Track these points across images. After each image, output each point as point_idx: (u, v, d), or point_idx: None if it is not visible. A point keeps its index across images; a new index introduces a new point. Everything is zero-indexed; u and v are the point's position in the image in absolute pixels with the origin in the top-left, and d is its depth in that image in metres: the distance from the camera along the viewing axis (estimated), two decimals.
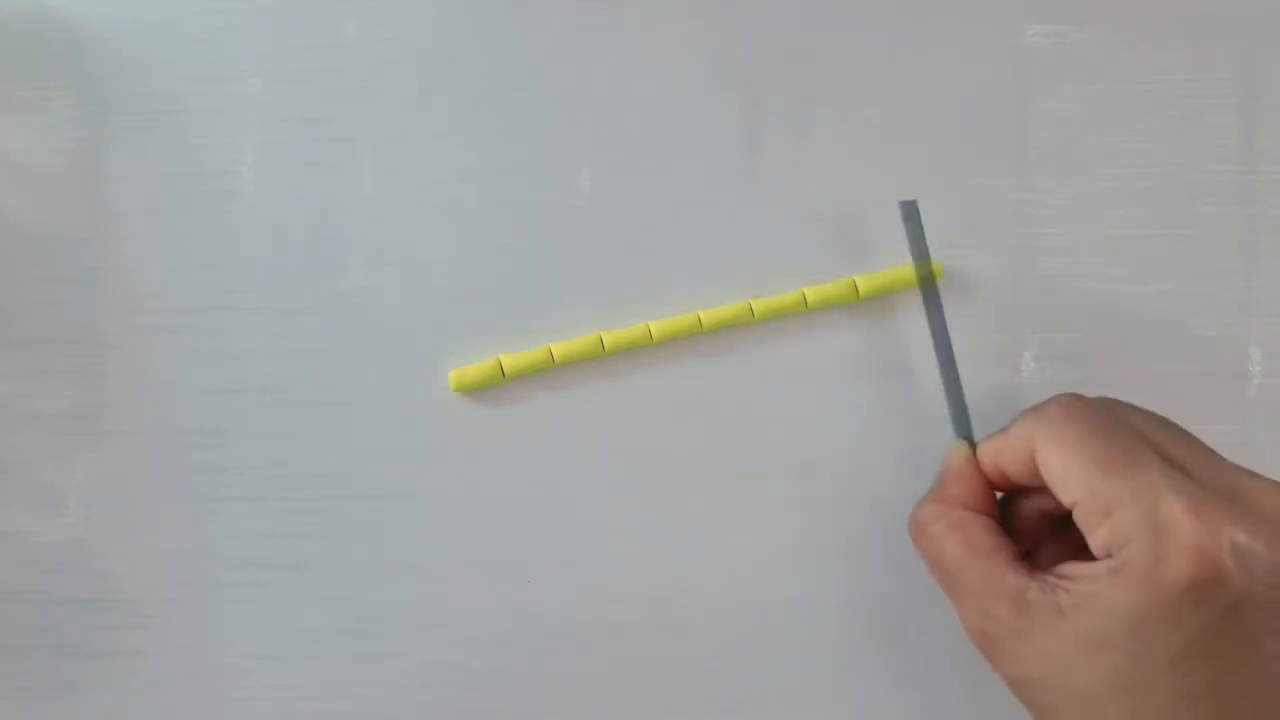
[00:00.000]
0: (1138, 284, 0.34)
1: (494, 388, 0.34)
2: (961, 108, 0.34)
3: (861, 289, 0.34)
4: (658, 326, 0.33)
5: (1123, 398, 0.31)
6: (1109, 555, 0.26)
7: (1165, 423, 0.28)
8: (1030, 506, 0.29)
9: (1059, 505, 0.27)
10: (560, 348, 0.33)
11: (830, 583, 0.33)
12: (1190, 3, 0.35)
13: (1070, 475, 0.26)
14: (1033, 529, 0.29)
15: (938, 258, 0.33)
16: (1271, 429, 0.34)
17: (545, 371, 0.34)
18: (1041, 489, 0.28)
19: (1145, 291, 0.34)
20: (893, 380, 0.34)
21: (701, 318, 0.33)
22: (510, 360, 0.33)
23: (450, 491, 0.34)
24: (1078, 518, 0.26)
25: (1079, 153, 0.34)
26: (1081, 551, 0.27)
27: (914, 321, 0.34)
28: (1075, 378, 0.33)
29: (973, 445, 0.30)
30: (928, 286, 0.32)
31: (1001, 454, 0.29)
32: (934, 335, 0.31)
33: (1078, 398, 0.28)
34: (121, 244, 0.34)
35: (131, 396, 0.34)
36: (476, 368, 0.34)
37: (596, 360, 0.34)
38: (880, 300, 0.34)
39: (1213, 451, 0.27)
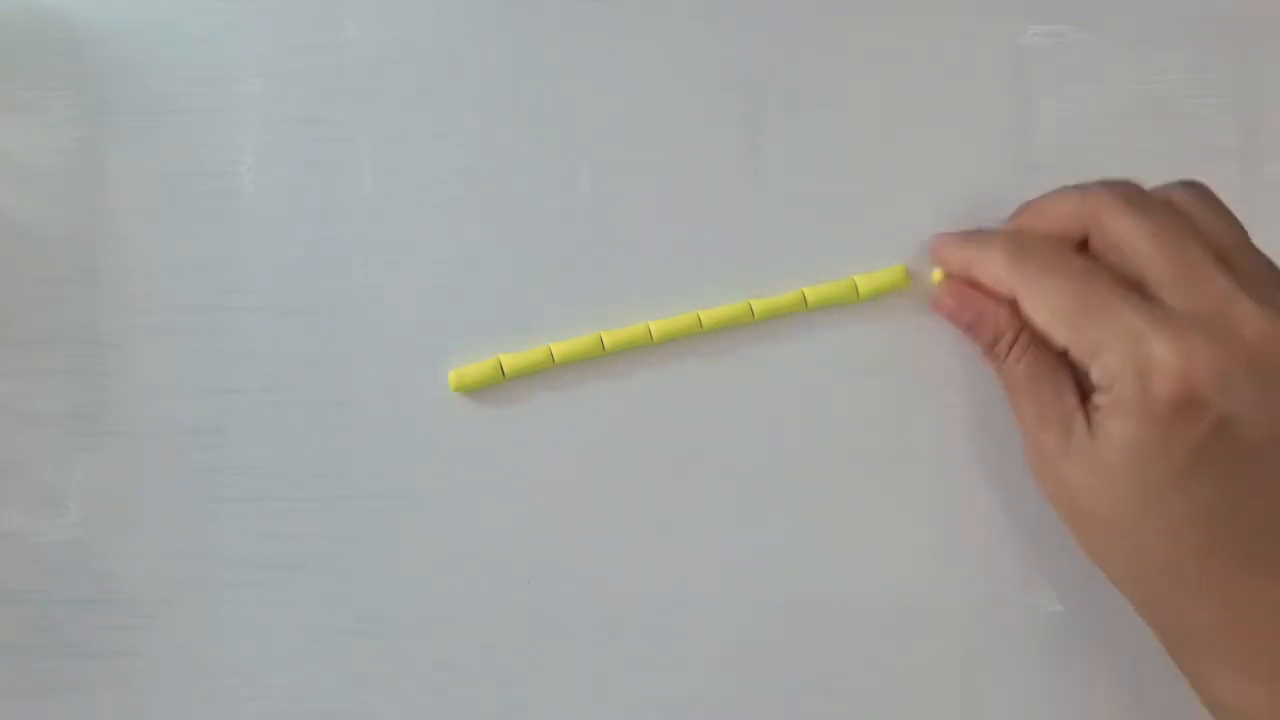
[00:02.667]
0: None
1: (494, 388, 0.34)
2: (961, 108, 0.34)
3: (861, 289, 0.34)
4: (658, 326, 0.33)
5: None
6: (1103, 391, 0.28)
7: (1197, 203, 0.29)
8: None
9: None
10: (560, 348, 0.33)
11: (829, 583, 0.33)
12: (1190, 3, 0.35)
13: (1052, 326, 0.29)
14: None
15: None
16: None
17: (545, 371, 0.34)
18: None
19: None
20: (893, 380, 0.34)
21: (701, 318, 0.33)
22: (510, 360, 0.33)
23: (450, 491, 0.34)
24: (1072, 357, 0.29)
25: (1079, 153, 0.34)
26: None
27: (914, 321, 0.34)
28: None
29: None
30: None
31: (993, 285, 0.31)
32: None
33: (1047, 241, 0.30)
34: (121, 244, 0.34)
35: (131, 396, 0.34)
36: (476, 368, 0.34)
37: (596, 360, 0.34)
38: (880, 300, 0.34)
39: (1220, 258, 0.28)
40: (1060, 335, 0.29)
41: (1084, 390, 0.30)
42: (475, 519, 0.34)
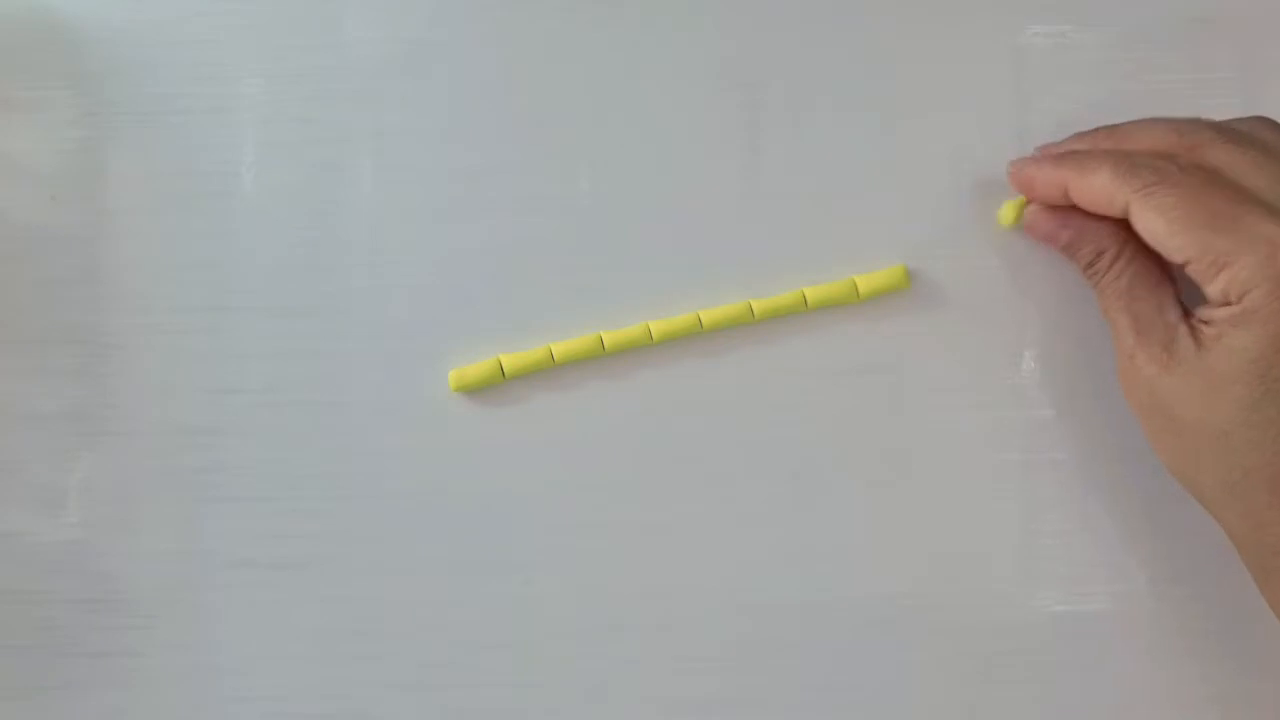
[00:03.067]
0: None
1: (494, 388, 0.34)
2: (961, 108, 0.34)
3: (861, 289, 0.34)
4: (658, 326, 0.33)
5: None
6: (1229, 303, 0.28)
7: None
8: None
9: None
10: (560, 348, 0.33)
11: (830, 583, 0.33)
12: (1190, 3, 0.35)
13: (1172, 239, 0.28)
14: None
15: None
16: None
17: (545, 371, 0.34)
18: None
19: None
20: (892, 380, 0.34)
21: (701, 318, 0.33)
22: (510, 360, 0.33)
23: (450, 491, 0.34)
24: (1191, 272, 0.28)
25: None
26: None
27: (914, 321, 0.34)
28: (1076, 377, 0.33)
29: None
30: None
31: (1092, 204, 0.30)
32: None
33: (1155, 157, 0.29)
34: (121, 244, 0.34)
35: (131, 396, 0.34)
36: (476, 368, 0.34)
37: (596, 360, 0.34)
38: (880, 300, 0.34)
39: None
40: (1181, 247, 0.28)
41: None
42: (475, 519, 0.34)
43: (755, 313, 0.34)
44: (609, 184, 0.34)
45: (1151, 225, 0.29)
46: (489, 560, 0.33)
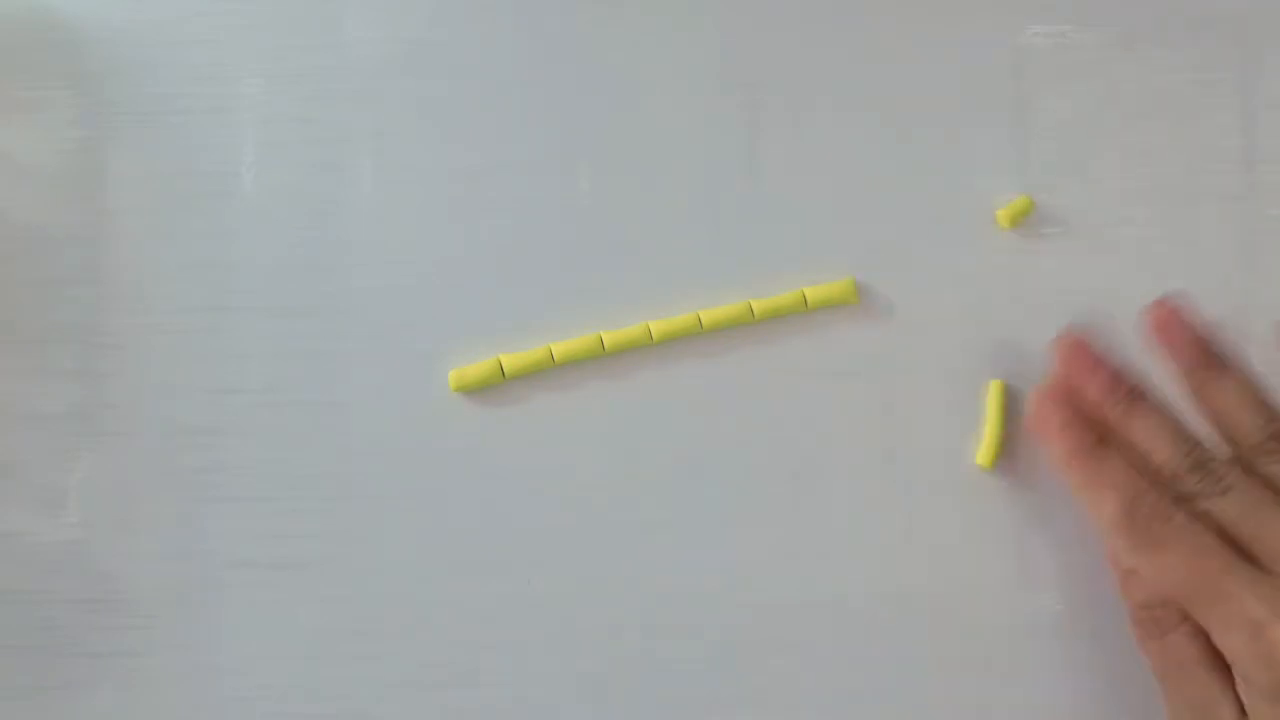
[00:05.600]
0: (1138, 284, 0.34)
1: (494, 388, 0.34)
2: (961, 108, 0.34)
3: (861, 290, 0.34)
4: (658, 326, 0.33)
5: None
6: (1234, 668, 0.28)
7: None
8: None
9: None
10: (560, 348, 0.33)
11: (830, 583, 0.33)
12: (1190, 3, 0.35)
13: (1174, 598, 0.29)
14: None
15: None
16: None
17: (545, 371, 0.34)
18: None
19: (1145, 291, 0.34)
20: (893, 380, 0.34)
21: (701, 318, 0.33)
22: (510, 360, 0.33)
23: (450, 491, 0.34)
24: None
25: (1079, 153, 0.34)
26: None
27: (915, 322, 0.34)
28: None
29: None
30: None
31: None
32: None
33: (1156, 504, 0.29)
34: (121, 244, 0.34)
35: (131, 396, 0.34)
36: (476, 368, 0.34)
37: (596, 360, 0.34)
38: (881, 300, 0.34)
39: None
40: (1179, 600, 0.29)
41: None
42: (475, 519, 0.34)
43: (755, 313, 0.34)
44: (609, 184, 0.34)
45: (1155, 585, 0.29)
46: (489, 560, 0.33)
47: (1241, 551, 0.28)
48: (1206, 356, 0.30)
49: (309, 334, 0.34)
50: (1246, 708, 0.28)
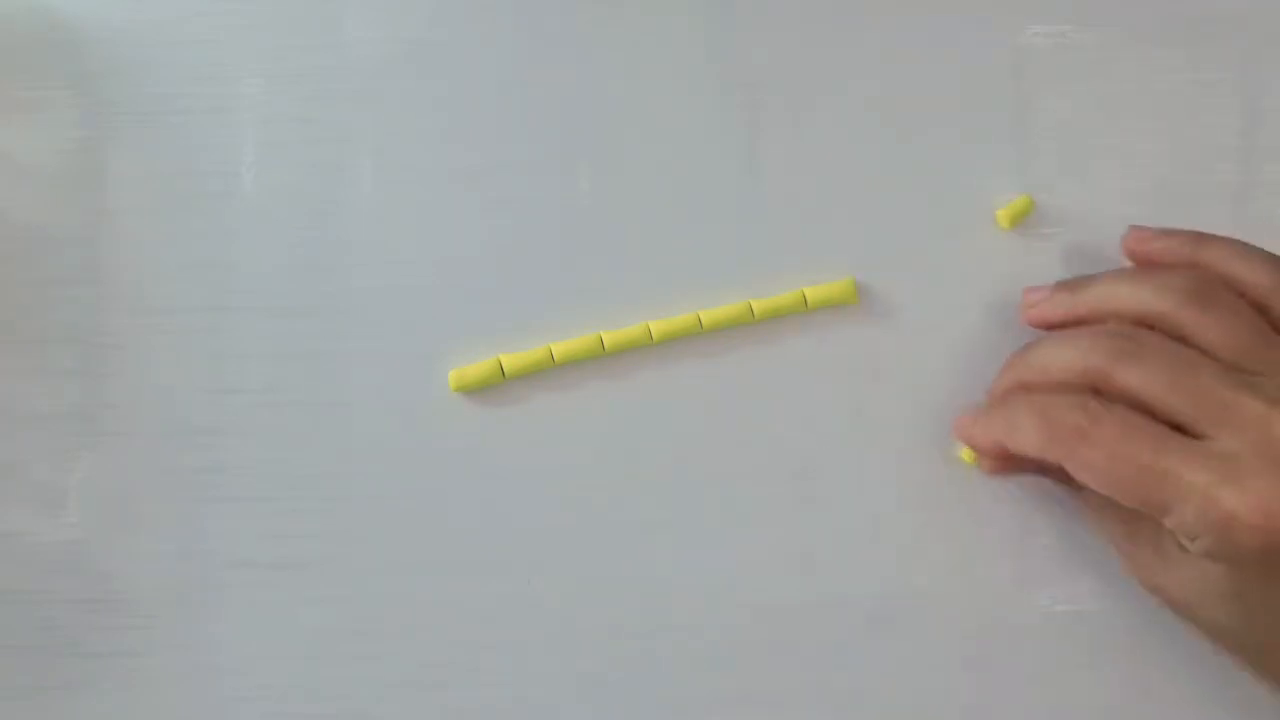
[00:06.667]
0: None
1: (494, 388, 0.34)
2: (961, 108, 0.34)
3: (860, 290, 0.34)
4: (658, 326, 0.33)
5: None
6: (1188, 542, 0.27)
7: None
8: None
9: None
10: (560, 348, 0.33)
11: (830, 583, 0.33)
12: (1190, 3, 0.35)
13: (1112, 494, 0.28)
14: None
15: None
16: None
17: (545, 371, 0.34)
18: None
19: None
20: (893, 380, 0.34)
21: (701, 318, 0.33)
22: (510, 360, 0.33)
23: (450, 491, 0.34)
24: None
25: (1079, 153, 0.34)
26: None
27: (915, 322, 0.34)
28: None
29: None
30: None
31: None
32: None
33: (1072, 403, 0.28)
34: (121, 244, 0.34)
35: (131, 396, 0.34)
36: (476, 368, 0.34)
37: (596, 360, 0.34)
38: (881, 301, 0.34)
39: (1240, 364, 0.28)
40: (1124, 500, 0.27)
41: None
42: (475, 519, 0.34)
43: (755, 313, 0.34)
44: (609, 184, 0.34)
45: (1089, 484, 0.28)
46: (489, 560, 0.33)
47: (1172, 425, 0.27)
48: (1179, 249, 0.30)
49: (309, 334, 0.34)
50: (1200, 561, 0.28)
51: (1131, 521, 0.30)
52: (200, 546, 0.34)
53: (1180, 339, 0.28)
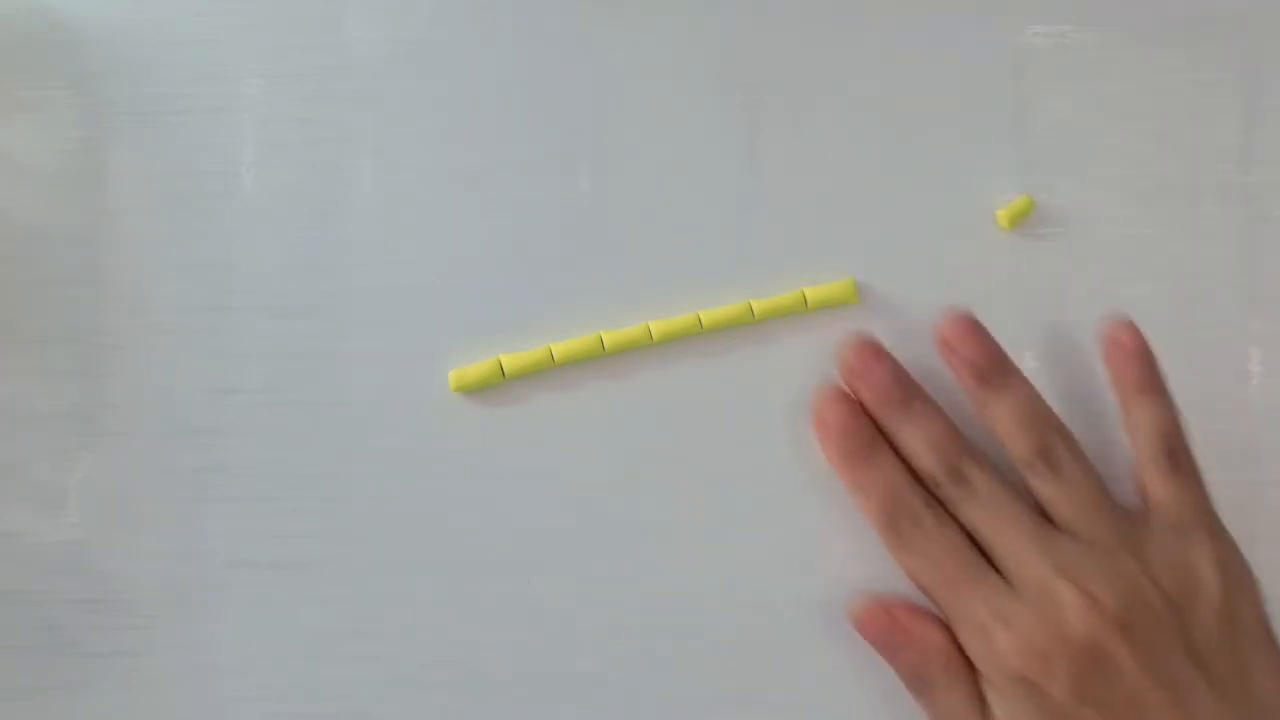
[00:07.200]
0: (1138, 284, 0.34)
1: (494, 388, 0.34)
2: (961, 108, 0.34)
3: (859, 290, 0.34)
4: (658, 326, 0.33)
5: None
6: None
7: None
8: None
9: None
10: (560, 348, 0.33)
11: (830, 583, 0.33)
12: (1190, 3, 0.35)
13: (928, 597, 0.31)
14: None
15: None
16: (1271, 429, 0.34)
17: (545, 371, 0.34)
18: None
19: (1145, 291, 0.34)
20: None
21: (701, 318, 0.33)
22: (510, 360, 0.33)
23: (450, 491, 0.34)
24: None
25: (1078, 153, 0.34)
26: None
27: (915, 322, 0.34)
28: (1075, 377, 0.33)
29: None
30: None
31: None
32: None
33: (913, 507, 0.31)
34: (121, 244, 0.34)
35: (131, 396, 0.34)
36: (476, 368, 0.34)
37: (596, 360, 0.34)
38: (881, 301, 0.34)
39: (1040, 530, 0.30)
40: (935, 605, 0.31)
41: None
42: (475, 519, 0.34)
43: (755, 313, 0.34)
44: (609, 184, 0.34)
45: (908, 576, 0.31)
46: (489, 560, 0.33)
47: (987, 557, 0.30)
48: (986, 375, 0.31)
49: (309, 334, 0.34)
50: (987, 701, 0.30)
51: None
52: (200, 546, 0.34)
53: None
